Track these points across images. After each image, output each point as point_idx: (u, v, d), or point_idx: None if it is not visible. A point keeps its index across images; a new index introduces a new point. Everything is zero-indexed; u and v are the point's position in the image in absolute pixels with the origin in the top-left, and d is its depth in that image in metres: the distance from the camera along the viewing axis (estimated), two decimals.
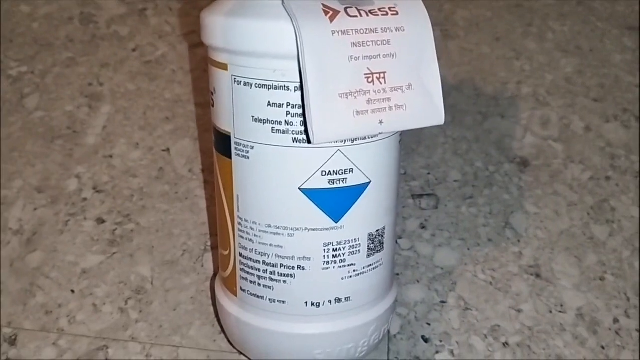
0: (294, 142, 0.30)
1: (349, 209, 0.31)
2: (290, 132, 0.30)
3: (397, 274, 0.43)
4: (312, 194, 0.31)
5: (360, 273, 0.33)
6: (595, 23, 0.64)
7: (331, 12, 0.28)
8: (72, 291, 0.41)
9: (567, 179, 0.50)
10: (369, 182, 0.31)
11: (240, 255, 0.33)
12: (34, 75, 0.55)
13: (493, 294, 0.42)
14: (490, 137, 0.52)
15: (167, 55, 0.57)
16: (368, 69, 0.28)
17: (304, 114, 0.29)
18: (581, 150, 0.52)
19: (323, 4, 0.28)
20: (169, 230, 0.44)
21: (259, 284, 0.33)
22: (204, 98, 0.53)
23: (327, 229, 0.31)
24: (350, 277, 0.33)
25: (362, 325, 0.34)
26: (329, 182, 0.31)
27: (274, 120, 0.30)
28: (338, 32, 0.28)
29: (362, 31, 0.28)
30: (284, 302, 0.33)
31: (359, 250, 0.32)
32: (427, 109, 0.30)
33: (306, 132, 0.29)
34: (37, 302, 0.40)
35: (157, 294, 0.41)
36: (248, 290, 0.34)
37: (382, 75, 0.29)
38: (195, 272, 0.42)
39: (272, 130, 0.30)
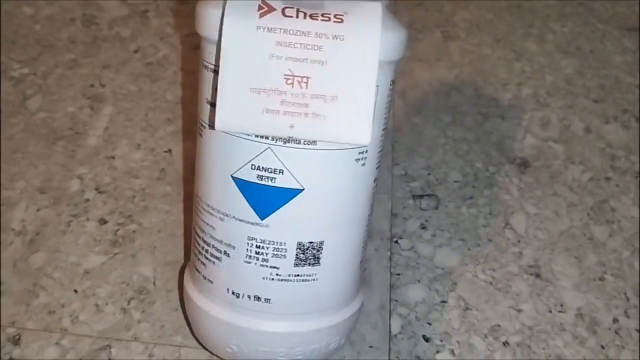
0: None
1: (276, 210, 0.31)
2: None
3: (397, 276, 0.43)
4: (242, 185, 0.31)
5: (284, 279, 0.32)
6: (596, 24, 0.64)
7: (265, 9, 0.28)
8: (75, 291, 0.41)
9: (567, 179, 0.50)
10: (302, 190, 0.31)
11: (194, 228, 0.35)
12: (36, 77, 0.55)
13: (493, 294, 0.42)
14: (491, 137, 0.53)
15: (168, 57, 0.57)
16: (290, 70, 0.28)
17: None
18: (581, 151, 0.52)
19: (263, 1, 0.28)
20: (170, 231, 0.45)
21: (199, 259, 0.34)
22: None
23: (252, 224, 0.31)
24: (272, 279, 0.32)
25: (280, 333, 0.33)
26: (257, 177, 0.30)
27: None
28: (263, 28, 0.28)
29: (291, 32, 0.28)
30: (211, 282, 0.34)
31: (284, 256, 0.32)
32: (350, 125, 0.28)
33: None
34: (40, 302, 0.40)
35: (159, 294, 0.41)
36: (194, 264, 0.35)
37: (304, 79, 0.28)
38: None
39: None
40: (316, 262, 0.33)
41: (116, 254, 0.43)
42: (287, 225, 0.31)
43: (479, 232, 0.46)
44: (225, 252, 0.33)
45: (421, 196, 0.48)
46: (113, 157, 0.49)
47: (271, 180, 0.30)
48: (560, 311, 0.42)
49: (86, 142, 0.50)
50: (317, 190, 0.31)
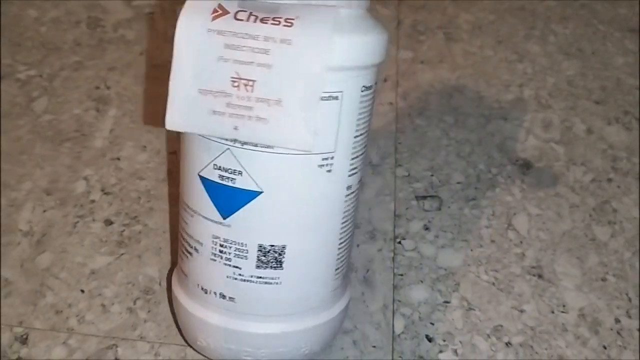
0: None
1: (237, 210, 0.31)
2: None
3: (400, 277, 0.44)
4: (206, 183, 0.32)
5: (247, 280, 0.33)
6: (597, 26, 0.64)
7: (219, 12, 0.28)
8: (82, 291, 0.41)
9: (569, 180, 0.50)
10: (260, 192, 0.31)
11: (179, 222, 0.36)
12: (42, 79, 0.55)
13: (496, 295, 0.43)
14: (493, 139, 0.53)
15: None
16: (237, 73, 0.28)
17: None
18: (583, 152, 0.53)
19: (220, 4, 0.28)
20: (176, 232, 0.45)
21: (180, 251, 0.35)
22: None
23: (216, 222, 0.32)
24: (235, 279, 0.33)
25: (244, 332, 0.34)
26: (219, 177, 0.31)
27: None
28: (214, 31, 0.28)
29: (240, 35, 0.28)
30: (186, 276, 0.35)
31: (246, 257, 0.32)
32: (292, 130, 0.28)
33: None
34: (47, 302, 0.41)
35: (165, 295, 0.41)
36: (179, 254, 0.36)
37: (250, 83, 0.28)
38: None
39: None
40: (279, 265, 0.32)
41: (122, 254, 0.44)
42: (248, 227, 0.31)
43: (482, 233, 0.46)
44: (195, 248, 0.33)
45: (424, 197, 0.48)
46: (119, 159, 0.50)
47: (231, 180, 0.31)
48: (562, 312, 0.42)
49: (92, 143, 0.50)
50: (276, 193, 0.31)
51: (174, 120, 0.29)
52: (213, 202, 0.32)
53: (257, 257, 0.32)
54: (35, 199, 0.46)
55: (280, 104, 0.28)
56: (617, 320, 0.42)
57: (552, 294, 0.43)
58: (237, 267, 0.32)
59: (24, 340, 0.39)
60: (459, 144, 0.52)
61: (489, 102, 0.56)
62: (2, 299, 0.41)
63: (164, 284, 0.42)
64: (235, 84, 0.28)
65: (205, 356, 0.37)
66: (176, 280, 0.37)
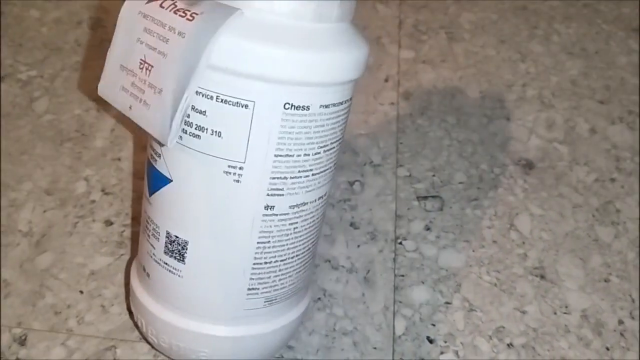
0: None
1: (155, 191, 0.32)
2: None
3: (401, 278, 0.43)
4: (147, 159, 0.33)
5: (157, 261, 0.33)
6: (601, 25, 0.64)
7: None
8: (81, 292, 0.41)
9: (572, 181, 0.50)
10: (170, 181, 0.31)
11: None
12: (43, 79, 0.55)
13: (498, 296, 0.42)
14: (496, 139, 0.53)
15: None
16: (144, 56, 0.29)
17: None
18: (586, 152, 0.52)
19: None
20: None
21: None
22: None
23: (146, 197, 0.33)
24: (150, 257, 0.34)
25: (148, 310, 0.34)
26: (150, 155, 0.32)
27: None
28: (141, 14, 0.30)
29: (155, 21, 0.29)
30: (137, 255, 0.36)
31: (158, 239, 0.33)
32: (160, 121, 0.29)
33: None
34: (46, 303, 0.41)
35: None
36: None
37: (149, 68, 0.29)
38: None
39: None
40: (181, 259, 0.32)
41: (122, 255, 0.43)
42: (161, 210, 0.32)
43: (484, 233, 0.46)
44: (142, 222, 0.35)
45: (426, 197, 0.48)
46: (119, 159, 0.49)
47: (155, 161, 0.32)
48: (565, 313, 0.42)
49: (93, 144, 0.50)
50: (183, 186, 0.31)
51: (101, 89, 0.31)
52: (146, 177, 0.33)
53: (165, 243, 0.32)
54: (36, 199, 0.46)
55: (160, 93, 0.29)
56: (621, 322, 0.41)
57: (555, 294, 0.43)
58: (152, 246, 0.33)
59: (22, 341, 0.39)
60: (461, 144, 0.52)
61: (492, 102, 0.56)
62: (1, 300, 0.40)
63: None
64: (141, 66, 0.29)
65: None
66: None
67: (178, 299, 0.33)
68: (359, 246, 0.45)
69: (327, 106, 0.30)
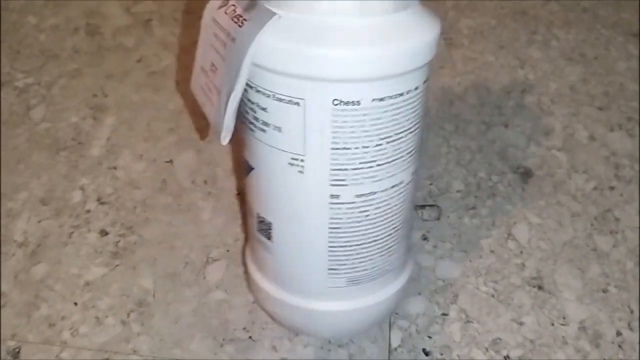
0: None
1: (246, 177, 0.35)
2: None
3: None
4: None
5: (254, 236, 0.37)
6: (600, 30, 0.63)
7: (224, 3, 0.31)
8: (75, 303, 0.41)
9: (571, 189, 0.50)
10: (252, 169, 0.34)
11: None
12: (40, 87, 0.55)
13: (495, 307, 0.42)
14: (494, 146, 0.52)
15: (171, 66, 0.57)
16: (213, 59, 0.31)
17: None
18: (585, 159, 0.52)
19: None
20: (171, 243, 0.45)
21: None
22: None
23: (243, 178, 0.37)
24: (251, 232, 0.37)
25: (257, 284, 0.38)
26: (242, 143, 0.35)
27: None
28: (213, 20, 0.31)
29: (220, 27, 0.31)
30: None
31: (253, 217, 0.36)
32: (215, 120, 0.31)
33: None
34: (40, 315, 0.40)
35: (159, 307, 0.41)
36: None
37: (214, 70, 0.31)
38: (197, 285, 0.42)
39: None
40: (269, 237, 0.35)
41: (117, 265, 0.43)
42: (250, 193, 0.35)
43: (481, 243, 0.46)
44: None
45: (423, 206, 0.48)
46: (115, 168, 0.49)
47: (243, 149, 0.34)
48: (562, 324, 0.41)
49: (89, 152, 0.50)
50: (263, 173, 0.33)
51: (192, 87, 0.34)
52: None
53: (257, 222, 0.35)
54: (31, 209, 0.46)
55: (219, 93, 0.31)
56: (619, 333, 0.41)
57: (553, 305, 0.42)
58: (251, 223, 0.37)
59: (16, 354, 0.38)
60: (459, 152, 0.52)
61: (490, 108, 0.55)
62: (0, 311, 0.40)
63: (158, 295, 0.42)
64: (211, 68, 0.31)
65: None
66: None
67: (271, 271, 0.37)
68: None
69: (381, 99, 0.30)
